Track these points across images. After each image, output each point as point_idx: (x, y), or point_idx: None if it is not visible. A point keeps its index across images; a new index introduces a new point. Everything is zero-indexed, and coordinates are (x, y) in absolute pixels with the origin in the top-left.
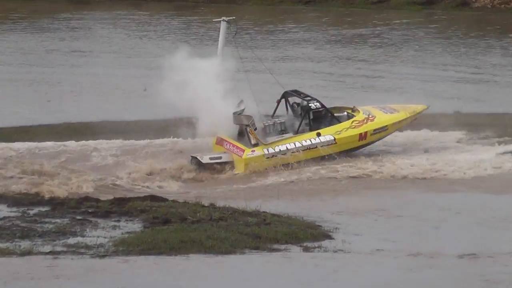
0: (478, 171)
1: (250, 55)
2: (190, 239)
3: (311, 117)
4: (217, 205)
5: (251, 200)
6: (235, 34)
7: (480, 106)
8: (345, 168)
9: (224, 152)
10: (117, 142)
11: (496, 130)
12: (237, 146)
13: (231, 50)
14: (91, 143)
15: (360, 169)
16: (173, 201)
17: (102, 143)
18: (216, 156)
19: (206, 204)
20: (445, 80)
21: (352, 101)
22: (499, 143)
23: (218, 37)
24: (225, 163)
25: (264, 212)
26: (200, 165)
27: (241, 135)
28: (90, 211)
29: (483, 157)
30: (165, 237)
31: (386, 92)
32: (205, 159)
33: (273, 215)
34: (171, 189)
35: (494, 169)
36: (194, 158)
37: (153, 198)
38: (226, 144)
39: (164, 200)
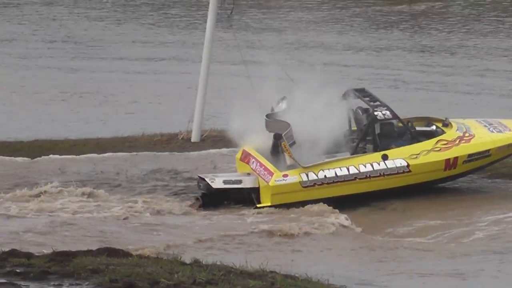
0: None
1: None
2: None
3: (378, 131)
4: (203, 262)
5: (254, 253)
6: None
7: None
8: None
9: (249, 174)
10: None
11: None
12: (265, 167)
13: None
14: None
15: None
16: (140, 256)
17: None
18: (234, 179)
19: (187, 261)
20: None
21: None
22: None
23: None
24: (247, 190)
25: (272, 272)
26: (209, 191)
27: (277, 149)
28: (18, 271)
29: None
30: None
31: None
32: (217, 183)
33: (286, 276)
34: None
35: None
36: (201, 179)
37: (110, 252)
38: (253, 162)
39: (126, 254)
